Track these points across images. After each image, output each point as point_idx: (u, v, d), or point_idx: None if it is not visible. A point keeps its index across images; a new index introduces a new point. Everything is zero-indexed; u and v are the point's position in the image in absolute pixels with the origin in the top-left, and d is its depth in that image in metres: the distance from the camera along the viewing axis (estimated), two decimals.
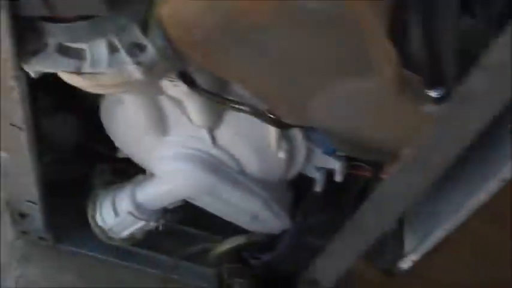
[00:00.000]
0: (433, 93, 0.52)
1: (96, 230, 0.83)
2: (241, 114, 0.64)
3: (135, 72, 0.54)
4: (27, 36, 0.55)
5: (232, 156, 0.74)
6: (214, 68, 0.57)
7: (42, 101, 0.73)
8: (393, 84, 0.52)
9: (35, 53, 0.55)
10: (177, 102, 0.66)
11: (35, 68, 0.55)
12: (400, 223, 1.03)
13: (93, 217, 0.83)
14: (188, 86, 0.58)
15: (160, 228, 0.84)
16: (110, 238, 0.84)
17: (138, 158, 0.80)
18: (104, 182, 0.84)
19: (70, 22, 0.53)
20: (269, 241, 0.86)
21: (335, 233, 0.78)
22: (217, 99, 0.62)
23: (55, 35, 0.54)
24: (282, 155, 0.71)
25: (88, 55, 0.54)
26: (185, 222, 0.91)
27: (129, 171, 0.83)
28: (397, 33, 0.50)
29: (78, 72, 0.55)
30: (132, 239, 0.85)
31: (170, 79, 0.59)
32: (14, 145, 0.69)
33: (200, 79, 0.61)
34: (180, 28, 0.52)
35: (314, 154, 0.74)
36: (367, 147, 0.62)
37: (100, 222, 0.82)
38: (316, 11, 0.47)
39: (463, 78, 0.49)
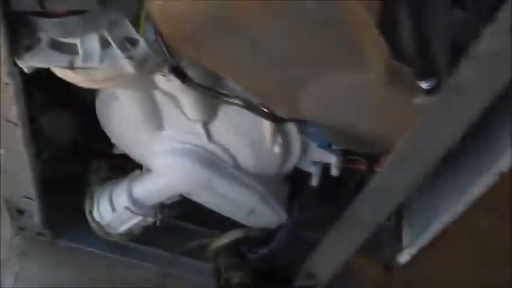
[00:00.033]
0: (424, 85, 0.52)
1: (94, 226, 0.84)
2: (236, 109, 0.64)
3: (127, 66, 0.55)
4: (20, 32, 0.55)
5: (227, 151, 0.74)
6: (206, 63, 0.57)
7: (37, 98, 0.73)
8: (384, 76, 0.52)
9: (28, 48, 0.56)
10: (171, 97, 0.66)
11: (28, 63, 0.56)
12: (399, 218, 1.04)
13: (91, 213, 0.83)
14: (180, 80, 0.58)
15: (158, 223, 0.84)
16: (108, 233, 0.84)
17: (134, 153, 0.80)
18: (100, 178, 0.84)
19: (62, 17, 0.53)
20: (266, 235, 0.86)
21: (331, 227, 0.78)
22: (211, 93, 0.62)
23: (47, 30, 0.55)
24: (277, 149, 0.71)
25: (80, 50, 0.55)
26: (183, 217, 0.92)
27: (125, 167, 0.83)
28: (388, 25, 0.50)
29: (71, 67, 0.55)
30: (129, 235, 0.85)
31: (163, 74, 0.60)
32: (9, 141, 0.69)
33: (193, 73, 0.61)
34: (170, 23, 0.52)
35: (309, 148, 0.74)
36: (360, 139, 0.62)
37: (97, 218, 0.83)
38: (308, 7, 0.48)
39: (454, 69, 0.49)
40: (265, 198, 0.79)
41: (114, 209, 0.81)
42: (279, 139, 0.71)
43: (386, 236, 1.03)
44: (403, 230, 1.02)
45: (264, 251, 0.86)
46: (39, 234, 0.90)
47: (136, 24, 0.55)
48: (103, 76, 0.56)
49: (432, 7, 0.52)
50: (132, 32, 0.55)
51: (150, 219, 0.83)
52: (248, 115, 0.65)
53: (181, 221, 0.93)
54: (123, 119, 0.73)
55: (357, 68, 0.53)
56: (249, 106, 0.64)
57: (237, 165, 0.76)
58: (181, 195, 0.81)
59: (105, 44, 0.55)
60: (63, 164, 0.85)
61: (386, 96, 0.54)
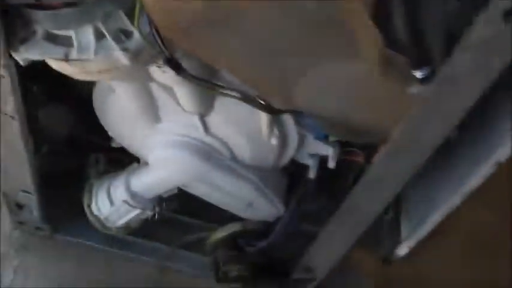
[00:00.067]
0: (418, 74, 0.52)
1: (92, 219, 0.84)
2: (232, 102, 0.64)
3: (121, 58, 0.55)
4: (15, 25, 0.55)
5: (224, 144, 0.74)
6: (201, 55, 0.57)
7: (34, 92, 0.74)
8: (378, 66, 0.52)
9: (23, 41, 0.56)
10: (167, 89, 0.66)
11: (24, 55, 0.56)
12: (397, 212, 1.04)
13: (89, 206, 0.83)
14: (175, 71, 0.58)
15: (156, 217, 0.84)
16: (106, 227, 0.85)
17: (132, 146, 0.80)
18: (98, 172, 0.84)
19: (57, 9, 0.53)
20: (264, 228, 0.86)
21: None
22: (206, 85, 0.63)
23: (42, 22, 0.55)
24: (273, 141, 0.72)
25: (75, 42, 0.55)
26: (181, 211, 0.92)
27: (123, 160, 0.84)
28: (382, 15, 0.50)
29: (66, 59, 0.55)
30: (127, 228, 0.86)
31: (158, 65, 0.60)
32: (7, 134, 0.69)
33: (189, 65, 0.61)
34: (165, 15, 0.52)
35: (306, 140, 0.74)
36: (355, 130, 0.62)
37: (96, 212, 0.83)
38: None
39: (448, 58, 0.49)
40: (263, 190, 0.80)
41: (112, 203, 0.82)
42: (276, 131, 0.71)
43: (385, 230, 1.03)
44: (401, 223, 1.02)
45: (262, 244, 0.86)
46: (38, 228, 0.90)
47: (131, 16, 0.55)
48: (98, 68, 0.56)
49: None
50: (127, 24, 0.55)
51: (148, 213, 0.83)
52: (245, 107, 0.65)
53: (179, 214, 0.93)
54: (119, 112, 0.73)
55: (351, 58, 0.53)
56: (245, 98, 0.64)
57: (234, 158, 0.76)
58: (179, 188, 0.81)
59: (99, 36, 0.55)
60: (61, 158, 0.85)
61: (380, 86, 0.54)
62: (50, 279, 0.91)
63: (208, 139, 0.74)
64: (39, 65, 0.58)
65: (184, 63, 0.59)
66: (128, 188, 0.80)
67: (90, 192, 0.83)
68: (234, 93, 0.63)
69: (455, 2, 0.55)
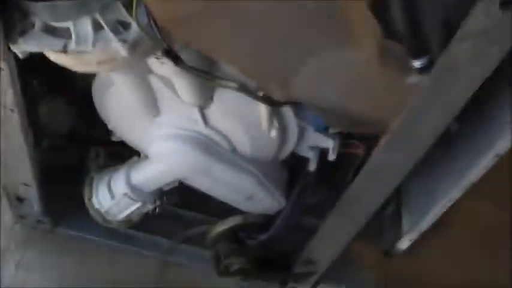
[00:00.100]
0: (416, 63, 0.52)
1: (93, 213, 0.84)
2: (232, 94, 0.64)
3: (120, 49, 0.55)
4: (13, 17, 0.55)
5: (224, 136, 0.74)
6: (199, 46, 0.57)
7: (34, 85, 0.74)
8: (376, 56, 0.52)
9: (21, 33, 0.56)
10: (166, 81, 0.66)
11: (22, 48, 0.56)
12: (398, 205, 1.04)
13: (90, 200, 0.83)
14: (174, 62, 0.58)
15: (157, 211, 0.84)
16: (107, 221, 0.85)
17: (132, 139, 0.80)
18: (99, 165, 0.84)
19: (55, 1, 0.53)
20: (265, 221, 0.86)
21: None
22: (205, 76, 0.62)
23: (40, 14, 0.55)
24: (273, 133, 0.71)
25: (73, 33, 0.55)
26: (182, 205, 0.92)
27: (123, 153, 0.84)
28: (380, 4, 0.50)
29: (64, 51, 0.55)
30: (128, 222, 0.85)
31: (156, 57, 0.60)
32: (7, 128, 0.69)
33: (188, 57, 0.61)
34: (162, 6, 0.52)
35: (306, 132, 0.74)
36: (355, 120, 0.62)
37: (96, 205, 0.83)
38: None
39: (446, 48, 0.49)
40: (263, 183, 0.79)
41: (112, 196, 0.82)
42: (275, 123, 0.71)
43: (386, 223, 1.03)
44: (402, 216, 1.02)
45: (263, 237, 0.86)
46: (38, 222, 0.90)
47: (128, 7, 0.54)
48: (96, 59, 0.56)
49: None
50: (125, 15, 0.55)
51: (148, 206, 0.83)
52: (244, 99, 0.65)
53: (180, 208, 0.93)
54: (119, 105, 0.73)
55: (350, 49, 0.52)
56: (244, 89, 0.64)
57: (234, 150, 0.76)
58: (179, 182, 0.81)
59: (97, 28, 0.55)
60: (62, 153, 0.85)
61: (379, 76, 0.54)
62: (51, 273, 0.92)
63: (208, 131, 0.74)
64: (37, 58, 0.58)
65: (183, 55, 0.59)
66: (129, 182, 0.80)
67: (91, 185, 0.83)
68: (233, 85, 0.63)
69: None
